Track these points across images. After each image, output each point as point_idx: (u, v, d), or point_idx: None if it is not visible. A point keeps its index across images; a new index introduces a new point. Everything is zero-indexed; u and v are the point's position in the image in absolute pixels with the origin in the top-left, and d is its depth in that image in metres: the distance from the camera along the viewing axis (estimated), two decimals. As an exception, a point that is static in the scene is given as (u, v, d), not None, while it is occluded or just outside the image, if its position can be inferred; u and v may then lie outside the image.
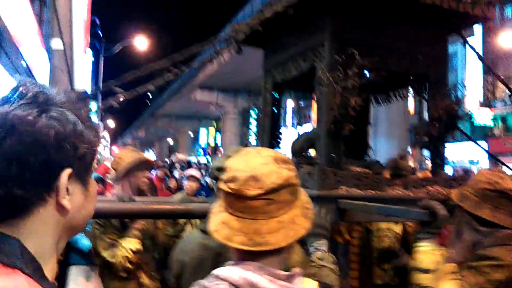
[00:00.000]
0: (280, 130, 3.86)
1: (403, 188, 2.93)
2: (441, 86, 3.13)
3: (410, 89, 3.66)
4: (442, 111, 2.87)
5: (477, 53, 3.31)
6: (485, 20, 3.11)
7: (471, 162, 24.79)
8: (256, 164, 1.18)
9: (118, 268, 2.93)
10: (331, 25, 2.94)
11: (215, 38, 4.28)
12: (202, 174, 14.89)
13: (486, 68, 3.59)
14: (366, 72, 2.83)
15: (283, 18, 3.01)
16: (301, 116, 38.10)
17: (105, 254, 2.93)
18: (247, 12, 20.64)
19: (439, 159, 3.13)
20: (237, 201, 1.17)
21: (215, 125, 47.22)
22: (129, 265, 2.94)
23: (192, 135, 53.76)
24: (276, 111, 3.79)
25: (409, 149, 25.41)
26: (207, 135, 51.09)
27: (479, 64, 24.26)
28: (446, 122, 2.89)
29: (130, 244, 2.97)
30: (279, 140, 3.82)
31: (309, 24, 3.16)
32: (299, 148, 3.47)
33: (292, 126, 37.37)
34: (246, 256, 1.18)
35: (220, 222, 1.20)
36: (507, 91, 3.25)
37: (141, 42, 24.88)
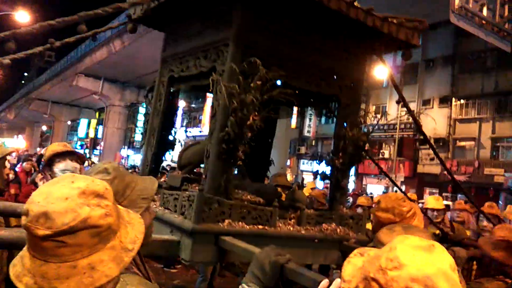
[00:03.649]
0: (172, 132, 3.19)
1: (296, 223, 2.58)
2: (351, 113, 2.80)
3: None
4: (348, 142, 2.56)
5: (394, 84, 3.10)
6: (407, 46, 2.83)
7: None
8: (56, 198, 1.03)
9: None
10: (239, 21, 2.42)
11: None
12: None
13: (400, 98, 3.53)
14: (278, 82, 2.39)
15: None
16: (191, 118, 37.44)
17: None
18: None
19: (339, 193, 2.78)
20: (30, 237, 1.04)
21: (97, 117, 43.98)
22: None
23: (69, 124, 49.36)
24: (170, 109, 3.11)
25: (288, 162, 26.89)
26: (87, 127, 47.29)
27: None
28: (352, 154, 2.59)
29: None
30: (170, 144, 3.16)
31: (216, 14, 2.60)
32: (187, 162, 2.89)
33: (181, 127, 36.53)
34: None
35: (20, 255, 1.08)
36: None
37: (22, 16, 22.09)
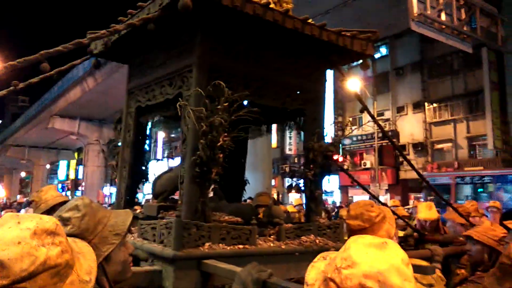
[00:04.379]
0: (145, 163, 3.18)
1: (276, 239, 2.61)
2: (317, 124, 2.89)
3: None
4: (317, 153, 2.63)
5: (357, 94, 3.21)
6: (363, 57, 2.96)
7: (326, 194, 26.90)
8: (7, 243, 0.96)
9: None
10: (201, 47, 2.49)
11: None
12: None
13: (363, 108, 3.55)
14: (245, 102, 2.45)
15: (148, 32, 2.44)
16: (171, 148, 37.24)
17: None
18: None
19: (314, 204, 2.84)
20: None
21: (76, 157, 43.37)
22: None
23: (48, 168, 48.48)
24: (140, 140, 3.12)
25: (273, 181, 26.90)
26: (67, 168, 46.55)
27: (330, 104, 27.07)
28: (322, 165, 2.66)
29: None
30: (143, 175, 3.16)
31: (178, 43, 2.67)
32: (161, 190, 2.90)
33: (163, 159, 36.27)
34: None
35: None
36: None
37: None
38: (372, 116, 3.15)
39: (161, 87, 2.75)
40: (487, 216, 6.71)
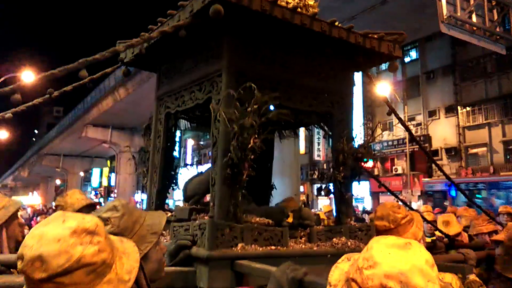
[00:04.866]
0: (174, 168, 3.23)
1: (307, 241, 2.62)
2: (345, 126, 2.88)
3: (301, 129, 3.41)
4: (347, 155, 2.62)
5: (384, 97, 3.21)
6: (390, 59, 2.96)
7: (356, 200, 26.53)
8: (49, 240, 1.06)
9: None
10: (229, 52, 2.54)
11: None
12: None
13: (391, 111, 3.49)
14: (271, 106, 2.49)
15: (176, 39, 2.51)
16: (201, 155, 37.68)
17: None
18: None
19: (344, 206, 2.84)
20: (28, 281, 1.06)
21: (109, 165, 44.48)
22: None
23: (82, 175, 49.91)
24: (169, 145, 3.16)
25: (302, 188, 26.75)
26: (100, 176, 47.79)
27: (359, 108, 26.77)
28: (352, 167, 2.65)
29: None
30: (173, 180, 3.20)
31: (206, 49, 2.73)
32: (192, 193, 2.97)
33: (192, 165, 36.71)
34: None
35: None
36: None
37: (28, 76, 22.77)
38: (399, 119, 3.12)
39: (191, 93, 2.80)
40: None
